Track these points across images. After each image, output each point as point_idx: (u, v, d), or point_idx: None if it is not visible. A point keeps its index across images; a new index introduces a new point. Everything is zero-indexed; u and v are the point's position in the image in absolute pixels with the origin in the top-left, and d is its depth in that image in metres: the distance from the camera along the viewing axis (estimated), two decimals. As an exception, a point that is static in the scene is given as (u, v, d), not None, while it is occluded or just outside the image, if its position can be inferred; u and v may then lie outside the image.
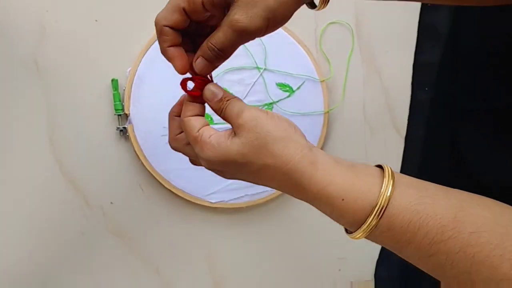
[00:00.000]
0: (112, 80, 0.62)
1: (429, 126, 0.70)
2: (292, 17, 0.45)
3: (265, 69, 0.66)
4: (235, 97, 0.47)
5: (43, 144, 0.67)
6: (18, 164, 0.67)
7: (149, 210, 0.68)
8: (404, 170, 0.69)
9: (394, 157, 0.70)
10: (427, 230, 0.42)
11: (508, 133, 0.65)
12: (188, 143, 0.49)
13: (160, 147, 0.63)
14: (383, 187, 0.43)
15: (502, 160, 0.65)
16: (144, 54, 0.63)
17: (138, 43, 0.68)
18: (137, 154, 0.64)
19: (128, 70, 0.63)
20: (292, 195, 0.45)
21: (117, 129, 0.63)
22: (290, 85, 0.67)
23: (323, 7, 0.49)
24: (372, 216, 0.42)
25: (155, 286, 0.69)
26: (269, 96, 0.66)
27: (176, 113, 0.49)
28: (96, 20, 0.68)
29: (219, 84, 0.48)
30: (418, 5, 0.68)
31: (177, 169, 0.66)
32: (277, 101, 0.67)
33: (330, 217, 0.45)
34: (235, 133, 0.46)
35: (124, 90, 0.63)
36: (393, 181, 0.43)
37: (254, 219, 0.67)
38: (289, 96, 0.67)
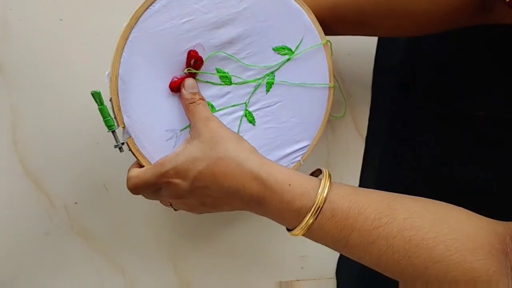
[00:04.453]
0: (93, 93, 0.52)
1: (389, 128, 0.72)
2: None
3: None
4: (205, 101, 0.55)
5: (6, 144, 0.66)
6: (-21, 164, 0.66)
7: (113, 210, 0.68)
8: (365, 170, 0.71)
9: (355, 157, 0.71)
10: (366, 216, 0.46)
11: (465, 135, 0.67)
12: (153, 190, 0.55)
13: (167, 154, 0.54)
14: (322, 179, 0.49)
15: (460, 162, 0.67)
16: (121, 53, 0.52)
17: (106, 40, 0.68)
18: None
19: (107, 73, 0.53)
20: (244, 195, 0.50)
21: (115, 147, 0.53)
22: (289, 46, 0.58)
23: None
24: (317, 199, 0.47)
25: (119, 286, 0.69)
26: (266, 65, 0.58)
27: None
28: (61, 19, 0.68)
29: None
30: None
31: None
32: (277, 69, 0.58)
33: (280, 214, 0.50)
34: (192, 137, 0.53)
35: (110, 100, 0.53)
36: (330, 179, 0.49)
37: (219, 218, 0.68)
38: (288, 59, 0.58)
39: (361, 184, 0.71)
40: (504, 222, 0.45)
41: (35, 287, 0.67)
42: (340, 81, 0.71)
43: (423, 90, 0.70)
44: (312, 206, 0.47)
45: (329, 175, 0.50)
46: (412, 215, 0.45)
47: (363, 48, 0.70)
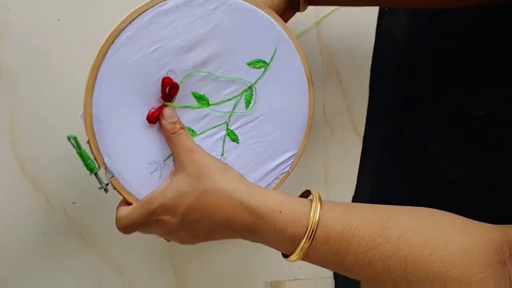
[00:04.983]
0: (69, 138, 0.52)
1: (387, 127, 0.72)
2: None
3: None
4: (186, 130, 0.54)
5: (4, 144, 0.66)
6: (-23, 164, 0.66)
7: (111, 210, 0.68)
8: (362, 170, 0.71)
9: (352, 156, 0.71)
10: (359, 238, 0.45)
11: (464, 135, 0.67)
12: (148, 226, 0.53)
13: (154, 187, 0.53)
14: (313, 202, 0.48)
15: (459, 162, 0.67)
16: (92, 93, 0.51)
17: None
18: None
19: (81, 113, 0.51)
20: (235, 226, 0.49)
21: (99, 189, 0.52)
22: (263, 59, 0.57)
23: (304, 9, 0.58)
24: (309, 225, 0.47)
25: (118, 286, 0.69)
26: (244, 79, 0.56)
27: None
28: (59, 19, 0.68)
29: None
30: (376, 8, 0.70)
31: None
32: (255, 82, 0.56)
33: (274, 241, 0.49)
34: (177, 170, 0.52)
35: (88, 142, 0.51)
36: (320, 201, 0.49)
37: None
38: (265, 71, 0.57)
39: (359, 184, 0.71)
40: (500, 226, 0.45)
41: (32, 287, 0.67)
42: (337, 80, 0.71)
43: (421, 89, 0.70)
44: (305, 232, 0.47)
45: (319, 197, 0.49)
46: (406, 232, 0.44)
47: (361, 47, 0.71)
